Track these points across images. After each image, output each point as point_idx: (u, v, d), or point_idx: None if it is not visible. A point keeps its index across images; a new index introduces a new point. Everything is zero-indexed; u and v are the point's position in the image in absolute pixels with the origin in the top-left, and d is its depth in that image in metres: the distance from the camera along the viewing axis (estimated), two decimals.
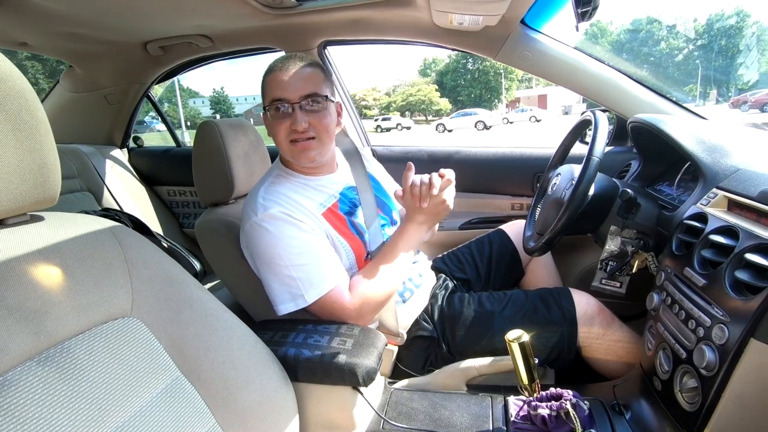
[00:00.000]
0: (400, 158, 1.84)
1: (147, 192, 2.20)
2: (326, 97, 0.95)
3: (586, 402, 0.82)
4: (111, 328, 0.55)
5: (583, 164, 0.99)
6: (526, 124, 24.22)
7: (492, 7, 1.24)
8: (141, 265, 0.61)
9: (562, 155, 1.34)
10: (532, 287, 1.31)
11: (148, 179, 2.25)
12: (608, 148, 1.54)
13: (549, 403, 0.80)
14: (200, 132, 1.10)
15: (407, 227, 0.96)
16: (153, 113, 2.63)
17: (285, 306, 0.89)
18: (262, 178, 1.03)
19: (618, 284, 1.06)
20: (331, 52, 1.79)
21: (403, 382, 1.05)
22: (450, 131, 23.47)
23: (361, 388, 0.80)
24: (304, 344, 0.81)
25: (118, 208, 1.94)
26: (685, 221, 0.88)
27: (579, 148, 1.32)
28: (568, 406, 0.78)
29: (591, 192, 1.02)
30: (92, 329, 0.53)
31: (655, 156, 1.24)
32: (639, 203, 1.01)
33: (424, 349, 1.08)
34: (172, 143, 2.38)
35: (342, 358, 0.77)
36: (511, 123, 25.44)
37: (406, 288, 1.11)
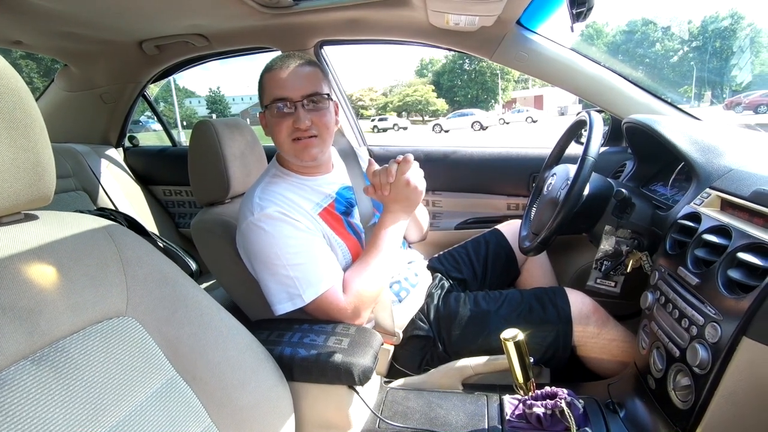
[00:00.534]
0: None
1: (142, 191, 2.19)
2: (327, 95, 0.96)
3: (580, 400, 0.83)
4: (106, 327, 0.55)
5: (578, 164, 0.99)
6: (523, 125, 24.27)
7: (488, 8, 1.25)
8: (136, 264, 0.60)
9: (558, 155, 1.35)
10: (528, 287, 1.32)
11: (143, 179, 2.24)
12: (603, 149, 1.55)
13: (544, 402, 0.80)
14: (196, 131, 1.09)
15: (383, 219, 0.97)
16: (149, 112, 2.62)
17: (282, 306, 0.89)
18: (259, 179, 1.03)
19: (613, 283, 1.07)
20: (328, 51, 1.79)
21: (399, 382, 1.05)
22: (447, 131, 23.47)
23: (357, 388, 0.80)
24: (300, 343, 0.81)
25: (113, 208, 1.93)
26: (679, 221, 0.89)
27: (574, 149, 1.33)
28: (563, 405, 0.78)
29: (586, 192, 1.03)
30: (87, 328, 0.53)
31: (650, 156, 1.25)
32: (633, 203, 1.02)
33: (420, 349, 1.08)
34: (168, 143, 2.37)
35: (338, 358, 0.77)
36: (508, 123, 25.49)
37: (402, 287, 1.11)
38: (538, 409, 0.79)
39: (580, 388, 0.96)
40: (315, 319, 0.91)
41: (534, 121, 24.93)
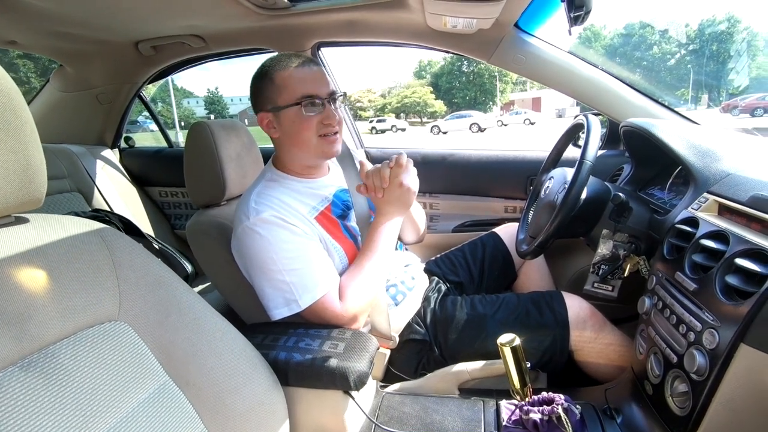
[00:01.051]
0: None
1: (138, 193, 2.17)
2: (344, 94, 1.01)
3: (577, 406, 0.82)
4: (97, 332, 0.54)
5: (575, 168, 0.99)
6: (520, 127, 24.33)
7: (486, 11, 1.25)
8: (129, 268, 0.60)
9: (555, 158, 1.35)
10: (525, 290, 1.31)
11: (139, 180, 2.23)
12: (600, 152, 1.55)
13: (541, 408, 0.80)
14: (192, 133, 1.09)
15: (377, 221, 0.97)
16: (146, 113, 2.61)
17: (279, 311, 0.89)
18: (255, 182, 1.02)
19: (610, 288, 1.06)
20: (325, 53, 1.78)
21: (395, 386, 1.04)
22: (445, 133, 23.52)
23: (353, 392, 0.80)
24: (295, 348, 0.80)
25: (108, 209, 1.92)
26: (677, 225, 0.88)
27: (572, 152, 1.32)
28: (560, 411, 0.78)
29: (583, 195, 1.03)
30: (78, 333, 0.52)
31: (647, 160, 1.25)
32: (631, 207, 1.02)
33: (417, 353, 1.08)
34: (164, 143, 2.36)
35: (333, 362, 0.76)
36: (506, 125, 25.53)
37: (398, 291, 1.11)
38: (535, 415, 0.79)
39: (577, 393, 0.96)
40: (310, 323, 0.91)
41: (532, 123, 25.01)
